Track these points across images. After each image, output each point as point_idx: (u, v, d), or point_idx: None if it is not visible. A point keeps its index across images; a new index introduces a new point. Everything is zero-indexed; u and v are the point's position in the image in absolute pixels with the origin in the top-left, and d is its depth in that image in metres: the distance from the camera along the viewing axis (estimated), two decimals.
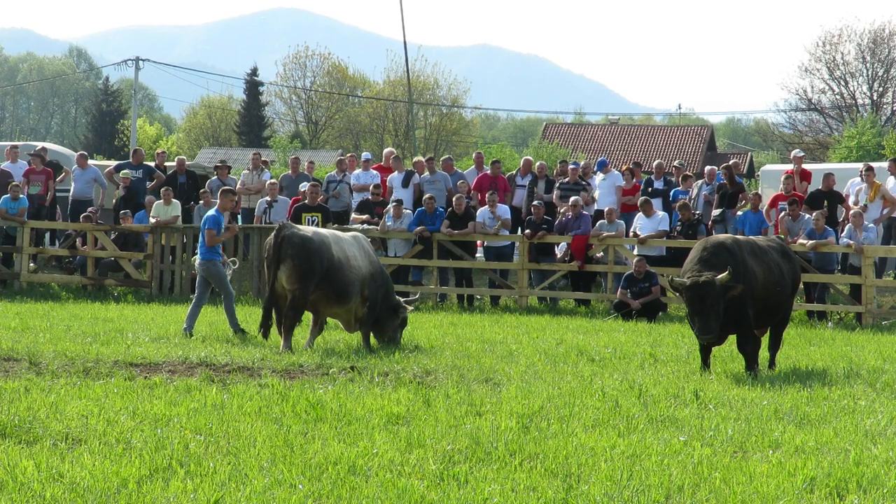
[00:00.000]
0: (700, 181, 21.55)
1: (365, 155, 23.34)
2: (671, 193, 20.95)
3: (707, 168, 21.76)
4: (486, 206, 20.24)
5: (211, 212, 14.93)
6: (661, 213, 19.75)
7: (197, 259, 14.81)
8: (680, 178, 21.81)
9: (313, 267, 12.50)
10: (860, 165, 22.09)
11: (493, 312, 19.05)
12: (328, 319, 13.72)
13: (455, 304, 20.27)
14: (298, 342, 12.97)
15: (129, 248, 20.93)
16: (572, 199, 20.01)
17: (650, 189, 21.29)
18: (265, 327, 12.82)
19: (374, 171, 22.12)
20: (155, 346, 12.39)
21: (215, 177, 22.44)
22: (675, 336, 14.96)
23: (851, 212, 19.04)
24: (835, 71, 63.40)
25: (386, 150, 24.27)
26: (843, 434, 8.14)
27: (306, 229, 13.03)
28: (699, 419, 8.55)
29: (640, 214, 19.77)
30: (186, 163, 23.66)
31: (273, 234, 12.81)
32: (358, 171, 22.07)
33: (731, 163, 21.56)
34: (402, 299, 13.64)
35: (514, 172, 22.24)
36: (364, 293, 12.94)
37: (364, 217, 20.40)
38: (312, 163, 24.17)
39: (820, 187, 19.99)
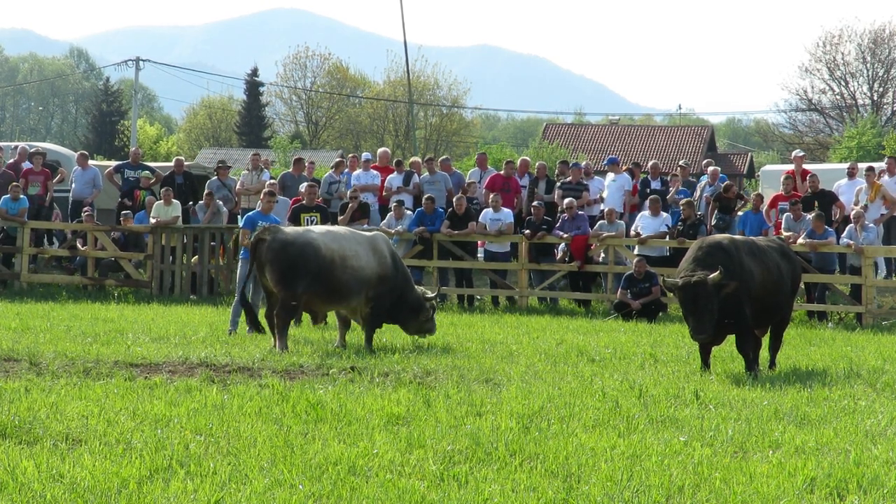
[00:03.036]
0: (703, 182, 21.53)
1: (365, 155, 23.34)
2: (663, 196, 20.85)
3: (710, 169, 21.69)
4: (490, 207, 20.25)
5: (252, 213, 15.36)
6: (665, 214, 19.74)
7: None
8: (670, 178, 21.81)
9: (297, 270, 12.42)
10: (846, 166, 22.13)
11: (493, 313, 19.06)
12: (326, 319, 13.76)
13: (455, 305, 20.27)
14: (298, 341, 12.98)
15: (129, 248, 20.95)
16: (566, 200, 20.01)
17: (648, 190, 21.29)
18: (252, 324, 13.23)
19: (375, 172, 22.13)
20: (155, 347, 12.39)
21: (215, 177, 22.47)
22: (675, 336, 14.96)
23: (853, 212, 19.03)
24: (835, 71, 63.46)
25: (380, 151, 24.17)
26: (843, 434, 8.14)
27: (291, 231, 12.94)
28: (699, 419, 8.55)
29: (643, 213, 19.77)
30: (185, 163, 23.67)
31: (255, 237, 12.87)
32: (358, 171, 22.07)
33: (725, 184, 21.16)
34: (423, 289, 13.63)
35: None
36: (368, 293, 12.86)
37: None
38: (313, 163, 24.14)
39: (808, 190, 19.94)
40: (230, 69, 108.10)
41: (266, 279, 12.67)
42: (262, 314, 13.85)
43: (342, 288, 12.65)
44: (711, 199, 20.56)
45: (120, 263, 20.97)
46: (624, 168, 22.68)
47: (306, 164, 22.66)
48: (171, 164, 23.59)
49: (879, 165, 22.01)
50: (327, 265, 12.53)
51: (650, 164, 22.48)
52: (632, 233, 19.77)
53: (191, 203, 21.63)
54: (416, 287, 13.53)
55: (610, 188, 21.22)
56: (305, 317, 14.89)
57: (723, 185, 20.54)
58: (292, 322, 15.13)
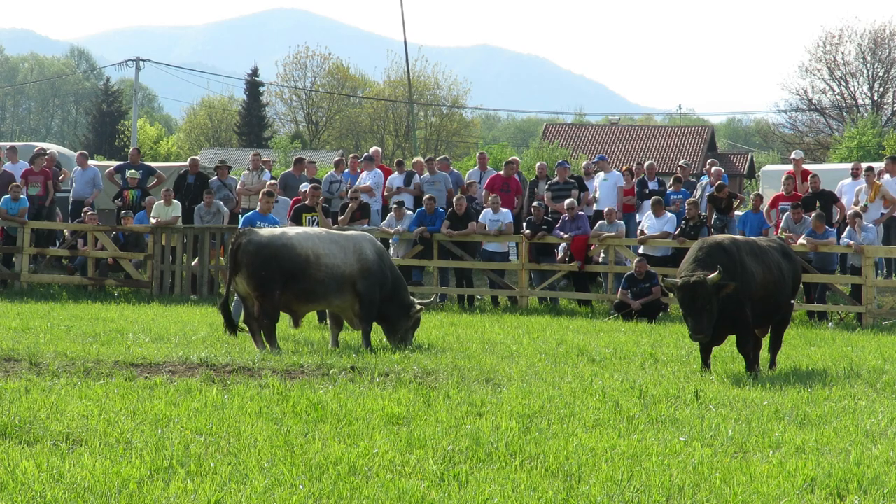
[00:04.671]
0: (705, 181, 21.50)
1: (367, 156, 23.33)
2: (664, 196, 20.79)
3: (714, 170, 21.64)
4: (489, 207, 20.26)
5: (251, 213, 15.39)
6: (669, 214, 19.73)
7: None
8: (673, 180, 21.78)
9: (271, 273, 12.45)
10: (850, 166, 22.12)
11: (493, 313, 19.05)
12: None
13: (455, 305, 20.27)
14: (299, 340, 12.97)
15: (129, 248, 20.95)
16: (567, 201, 19.99)
17: (646, 191, 21.28)
18: (230, 327, 13.09)
19: (378, 171, 22.14)
20: (155, 347, 12.38)
21: (215, 177, 22.49)
22: (675, 336, 14.96)
23: (850, 211, 19.03)
24: (835, 71, 63.46)
25: (372, 150, 24.10)
26: (843, 434, 8.14)
27: (266, 233, 12.92)
28: (700, 419, 8.54)
29: (648, 214, 19.77)
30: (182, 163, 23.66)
31: (231, 240, 12.87)
32: (364, 173, 22.07)
33: (717, 184, 21.12)
34: (415, 300, 13.61)
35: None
36: (356, 288, 12.86)
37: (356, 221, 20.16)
38: (314, 163, 24.08)
39: (809, 190, 19.94)
40: (230, 69, 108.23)
41: (240, 283, 12.72)
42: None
43: (318, 286, 12.67)
44: (707, 201, 20.55)
45: (120, 263, 20.96)
46: (624, 168, 22.66)
47: (307, 164, 22.65)
48: (170, 164, 23.55)
49: (879, 166, 22.01)
50: (302, 263, 12.58)
51: (646, 164, 22.49)
52: (638, 232, 19.77)
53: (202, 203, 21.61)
54: (408, 293, 13.56)
55: (602, 187, 21.18)
56: (310, 317, 14.89)
57: (714, 186, 20.53)
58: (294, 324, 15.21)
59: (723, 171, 21.67)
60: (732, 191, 21.33)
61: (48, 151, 23.43)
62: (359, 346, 12.87)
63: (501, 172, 21.71)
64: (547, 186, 21.13)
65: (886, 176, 20.26)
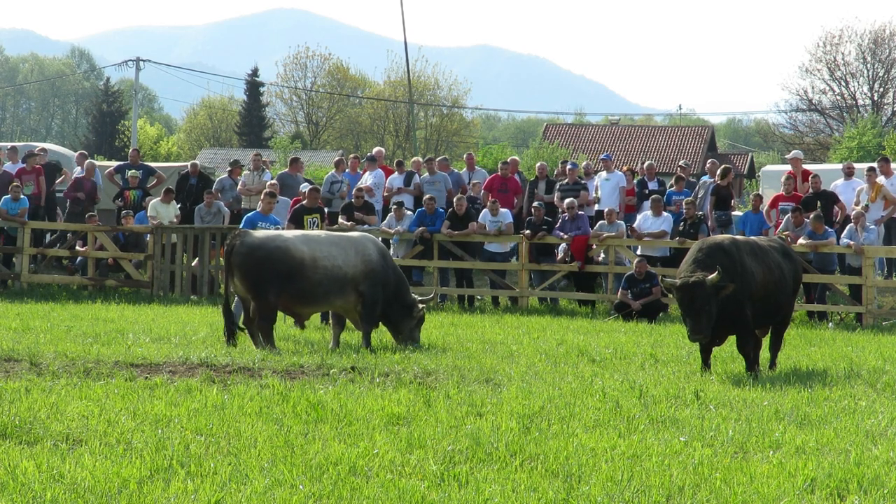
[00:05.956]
0: (708, 181, 21.46)
1: (370, 156, 23.34)
2: (665, 196, 20.79)
3: (719, 170, 21.58)
4: (487, 209, 20.26)
5: (252, 213, 15.46)
6: (665, 214, 19.73)
7: None
8: (675, 180, 21.77)
9: (265, 275, 12.47)
10: (841, 166, 22.14)
11: (493, 313, 19.05)
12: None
13: (455, 305, 20.27)
14: (299, 341, 12.96)
15: (129, 248, 20.95)
16: (567, 201, 20.00)
17: (646, 191, 21.25)
18: (229, 333, 12.98)
19: (379, 171, 22.15)
20: (155, 347, 12.38)
21: (226, 175, 22.57)
22: (675, 337, 14.95)
23: (853, 212, 19.02)
24: (835, 71, 63.45)
25: (375, 150, 24.10)
26: (843, 434, 8.14)
27: (260, 235, 12.91)
28: (700, 420, 8.54)
29: (646, 213, 19.77)
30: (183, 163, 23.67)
31: (227, 243, 12.89)
32: (367, 174, 22.06)
33: (721, 167, 21.15)
34: (416, 297, 13.63)
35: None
36: (360, 289, 12.89)
37: (350, 224, 20.07)
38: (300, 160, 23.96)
39: (809, 191, 19.95)
40: (230, 69, 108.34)
41: (237, 285, 12.75)
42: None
43: (317, 288, 12.67)
44: (710, 193, 20.52)
45: (120, 263, 20.96)
46: (625, 168, 22.63)
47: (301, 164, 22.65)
48: (170, 164, 23.56)
49: (871, 166, 21.97)
50: (297, 266, 12.58)
51: (645, 164, 22.48)
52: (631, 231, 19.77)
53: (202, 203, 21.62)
54: (410, 292, 13.57)
55: (604, 188, 21.15)
56: (312, 318, 14.89)
57: (720, 170, 20.46)
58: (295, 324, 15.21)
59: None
60: (733, 183, 21.37)
61: (47, 153, 23.43)
62: (359, 346, 12.88)
63: (499, 173, 21.71)
64: (557, 187, 21.14)
65: (882, 177, 20.27)
